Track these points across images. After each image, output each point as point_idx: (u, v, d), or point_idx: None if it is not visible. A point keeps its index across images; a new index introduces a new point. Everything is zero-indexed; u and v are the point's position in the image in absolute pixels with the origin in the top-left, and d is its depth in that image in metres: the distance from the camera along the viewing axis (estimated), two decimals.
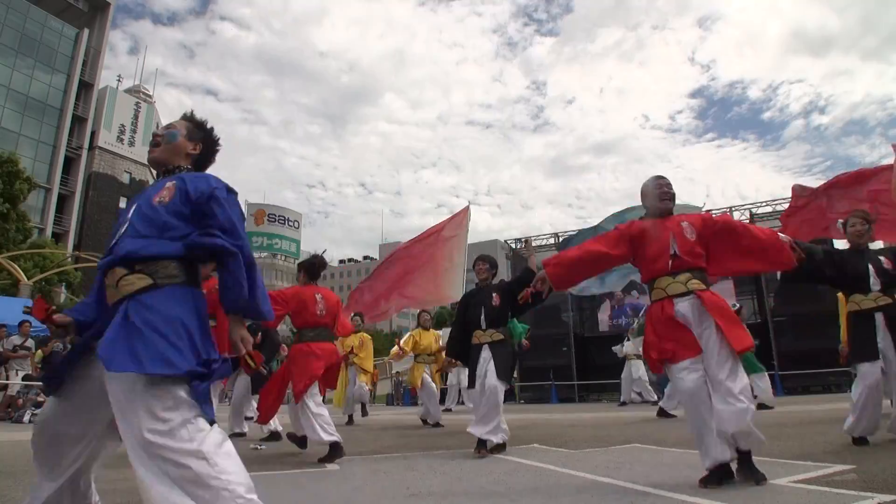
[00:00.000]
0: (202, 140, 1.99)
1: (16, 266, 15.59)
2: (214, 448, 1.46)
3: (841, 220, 4.16)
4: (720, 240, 2.88)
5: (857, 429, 3.62)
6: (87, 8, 43.35)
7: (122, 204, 46.09)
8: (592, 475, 3.02)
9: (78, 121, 41.46)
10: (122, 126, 46.85)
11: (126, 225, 1.72)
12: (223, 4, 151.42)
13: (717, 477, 2.52)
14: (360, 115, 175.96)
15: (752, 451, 2.57)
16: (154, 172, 1.97)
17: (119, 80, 49.84)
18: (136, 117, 47.97)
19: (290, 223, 68.25)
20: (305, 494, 2.78)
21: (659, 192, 3.00)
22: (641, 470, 3.17)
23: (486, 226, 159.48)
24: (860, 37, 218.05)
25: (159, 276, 1.62)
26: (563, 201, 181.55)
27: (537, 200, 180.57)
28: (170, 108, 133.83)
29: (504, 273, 22.86)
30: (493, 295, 4.38)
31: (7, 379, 9.34)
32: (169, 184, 1.77)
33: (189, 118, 2.01)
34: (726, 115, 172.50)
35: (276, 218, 67.58)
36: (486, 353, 4.28)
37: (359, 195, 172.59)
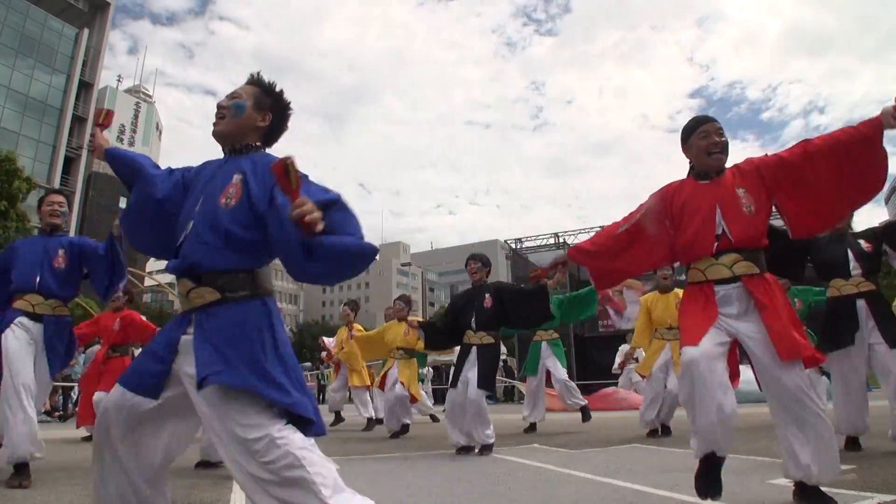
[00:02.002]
0: (271, 108, 1.74)
1: None
2: None
3: None
4: (784, 189, 2.18)
5: (846, 427, 3.54)
6: (87, 8, 43.31)
7: (123, 204, 46.10)
8: (592, 475, 3.01)
9: (78, 121, 41.41)
10: (122, 126, 46.86)
11: (191, 223, 1.58)
12: (222, 4, 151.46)
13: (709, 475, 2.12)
14: (359, 115, 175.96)
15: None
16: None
17: (119, 81, 49.95)
18: (136, 117, 47.99)
19: None
20: None
21: (706, 145, 2.26)
22: (641, 470, 3.17)
23: (486, 226, 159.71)
24: (859, 37, 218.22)
25: (227, 289, 1.51)
26: (563, 201, 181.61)
27: (536, 200, 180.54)
28: (169, 108, 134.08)
29: (504, 273, 22.86)
30: (486, 296, 4.29)
31: None
32: (236, 178, 1.58)
33: (256, 82, 1.75)
34: (725, 115, 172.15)
35: None
36: (472, 357, 4.25)
37: (358, 195, 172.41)
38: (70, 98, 40.14)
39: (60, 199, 3.52)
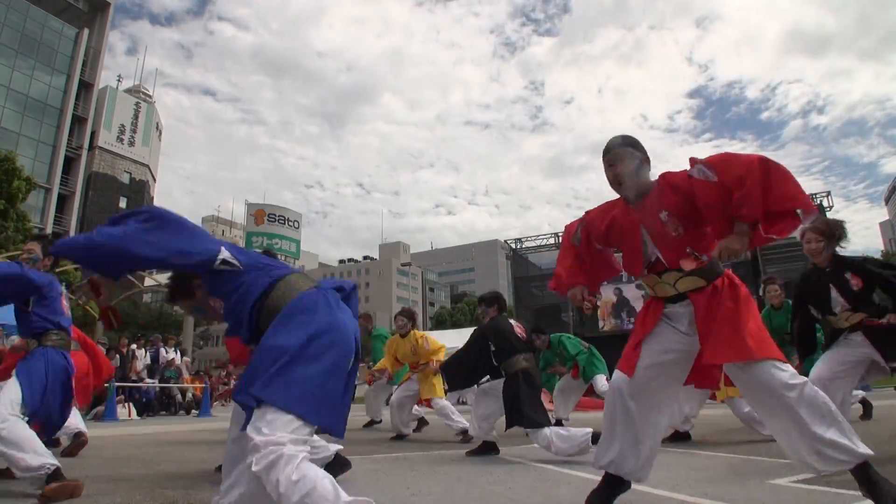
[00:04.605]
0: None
1: None
2: None
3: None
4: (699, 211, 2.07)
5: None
6: (87, 8, 43.33)
7: (123, 204, 46.24)
8: (592, 475, 3.01)
9: (78, 121, 41.43)
10: (122, 126, 46.85)
11: None
12: (221, 5, 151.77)
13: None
14: (359, 116, 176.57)
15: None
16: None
17: (119, 81, 49.94)
18: (136, 117, 47.98)
19: (290, 223, 68.24)
20: None
21: (606, 175, 2.27)
22: None
23: (485, 226, 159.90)
24: (858, 37, 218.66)
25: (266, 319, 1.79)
26: (562, 201, 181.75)
27: (536, 200, 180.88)
28: (168, 108, 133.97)
29: (504, 273, 22.77)
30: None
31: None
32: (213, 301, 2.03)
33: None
34: (724, 115, 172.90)
35: (276, 218, 67.61)
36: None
37: (357, 195, 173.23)
38: (70, 98, 40.16)
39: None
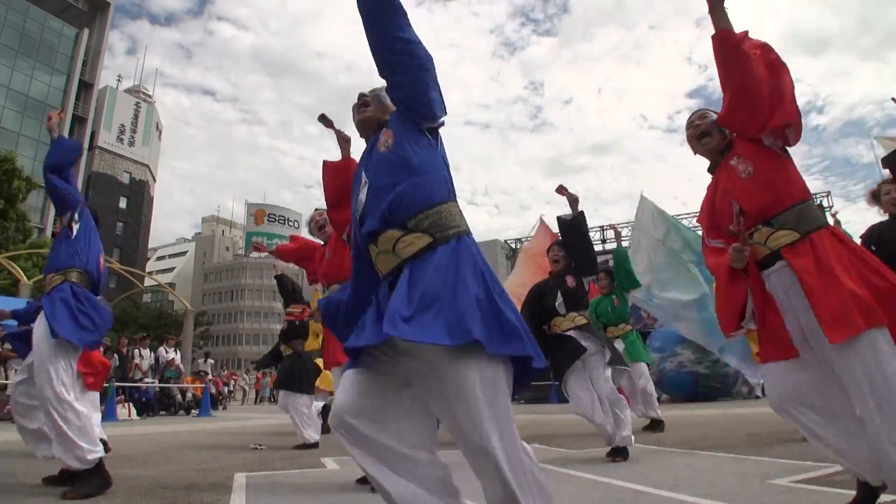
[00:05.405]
0: None
1: (15, 266, 15.51)
2: None
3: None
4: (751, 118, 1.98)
5: None
6: (87, 8, 43.32)
7: (123, 204, 46.27)
8: (592, 475, 3.01)
9: (78, 121, 41.42)
10: (122, 126, 46.85)
11: (366, 191, 1.58)
12: (220, 5, 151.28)
13: None
14: None
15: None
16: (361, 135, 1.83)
17: (119, 81, 49.91)
18: (135, 117, 47.97)
19: (290, 223, 68.25)
20: (306, 494, 2.78)
21: (687, 135, 2.23)
22: (641, 470, 3.17)
23: (485, 226, 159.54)
24: (858, 37, 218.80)
25: (437, 229, 1.47)
26: (562, 201, 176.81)
27: (535, 200, 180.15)
28: (168, 108, 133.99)
29: (504, 273, 22.79)
30: (568, 278, 3.97)
31: (7, 379, 9.32)
32: (383, 136, 1.63)
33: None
34: None
35: (276, 218, 67.65)
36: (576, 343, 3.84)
37: None
38: (70, 98, 40.14)
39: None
